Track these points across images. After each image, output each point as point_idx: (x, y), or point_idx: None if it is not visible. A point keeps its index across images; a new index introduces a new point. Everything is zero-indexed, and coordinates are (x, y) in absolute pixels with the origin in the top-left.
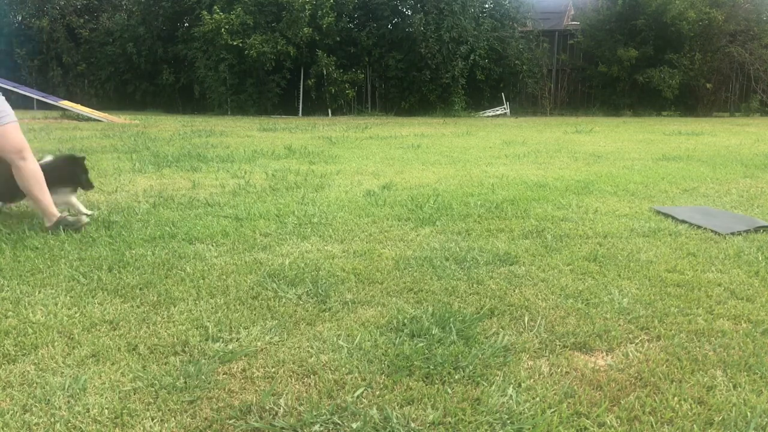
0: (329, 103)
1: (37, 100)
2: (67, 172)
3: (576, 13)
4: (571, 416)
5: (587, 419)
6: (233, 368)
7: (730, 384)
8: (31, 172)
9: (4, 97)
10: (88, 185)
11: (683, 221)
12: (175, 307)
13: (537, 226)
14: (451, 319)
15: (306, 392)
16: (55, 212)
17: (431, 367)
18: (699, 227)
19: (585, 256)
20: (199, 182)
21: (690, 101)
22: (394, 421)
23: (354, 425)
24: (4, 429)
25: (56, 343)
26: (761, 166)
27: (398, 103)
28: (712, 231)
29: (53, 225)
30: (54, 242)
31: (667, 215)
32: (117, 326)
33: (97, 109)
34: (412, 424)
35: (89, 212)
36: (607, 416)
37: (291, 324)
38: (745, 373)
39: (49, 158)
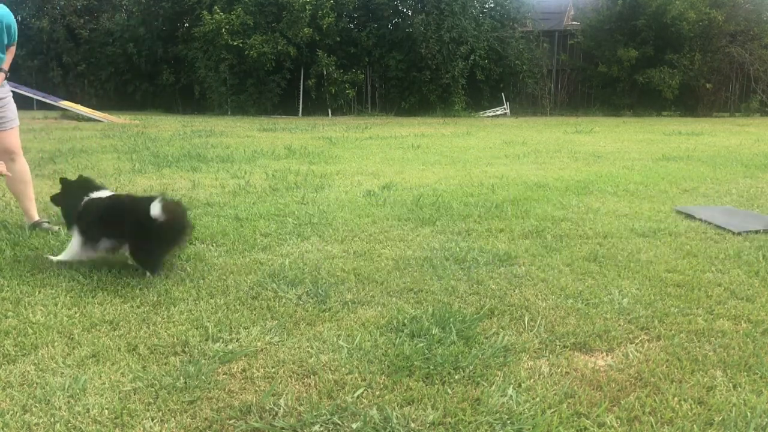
0: (329, 103)
1: (37, 100)
2: None
3: (576, 14)
4: (571, 416)
5: (587, 419)
6: (233, 368)
7: (730, 384)
8: (18, 173)
9: (13, 100)
10: None
11: (703, 220)
12: (175, 307)
13: (537, 226)
14: (451, 319)
15: (306, 392)
16: (34, 215)
17: (431, 367)
18: (710, 225)
19: (585, 256)
20: (199, 182)
21: (690, 101)
22: (394, 421)
23: (354, 425)
24: (4, 429)
25: (56, 343)
26: (761, 166)
27: (398, 104)
28: (724, 229)
29: (30, 225)
30: (54, 242)
31: (688, 215)
32: (117, 326)
33: (97, 110)
34: (412, 425)
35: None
36: (607, 416)
37: (291, 324)
38: (745, 373)
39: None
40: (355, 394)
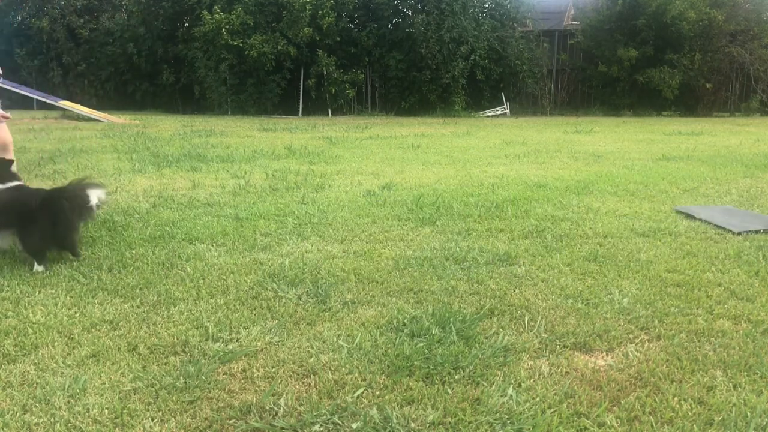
0: (329, 103)
1: (37, 100)
2: None
3: (576, 13)
4: (571, 416)
5: (587, 419)
6: (233, 368)
7: (730, 384)
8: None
9: None
10: None
11: (703, 220)
12: (175, 307)
13: (537, 226)
14: (451, 319)
15: (306, 392)
16: None
17: (431, 367)
18: (710, 225)
19: (585, 256)
20: (199, 182)
21: (690, 101)
22: (394, 421)
23: (354, 425)
24: (4, 429)
25: (56, 343)
26: (761, 166)
27: (398, 103)
28: (724, 229)
29: None
30: None
31: (688, 215)
32: (117, 326)
33: (97, 109)
34: (412, 424)
35: None
36: (607, 416)
37: (291, 324)
38: (745, 373)
39: None
40: (355, 394)
